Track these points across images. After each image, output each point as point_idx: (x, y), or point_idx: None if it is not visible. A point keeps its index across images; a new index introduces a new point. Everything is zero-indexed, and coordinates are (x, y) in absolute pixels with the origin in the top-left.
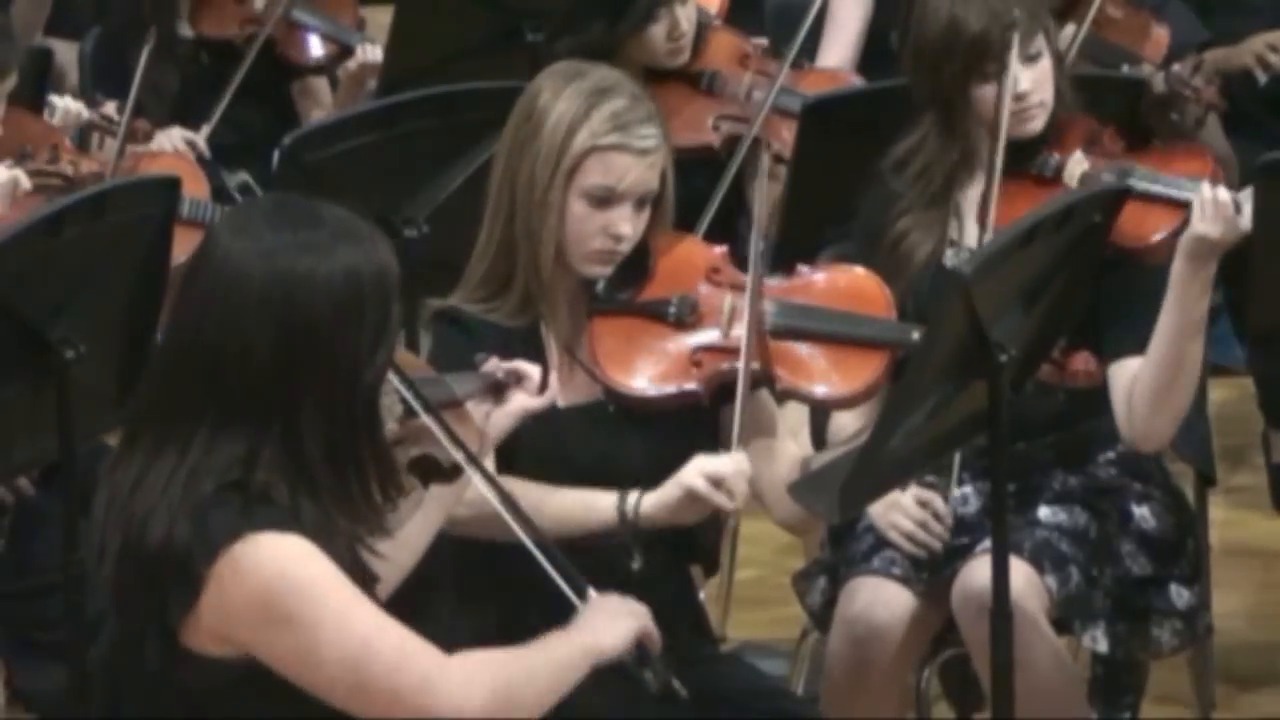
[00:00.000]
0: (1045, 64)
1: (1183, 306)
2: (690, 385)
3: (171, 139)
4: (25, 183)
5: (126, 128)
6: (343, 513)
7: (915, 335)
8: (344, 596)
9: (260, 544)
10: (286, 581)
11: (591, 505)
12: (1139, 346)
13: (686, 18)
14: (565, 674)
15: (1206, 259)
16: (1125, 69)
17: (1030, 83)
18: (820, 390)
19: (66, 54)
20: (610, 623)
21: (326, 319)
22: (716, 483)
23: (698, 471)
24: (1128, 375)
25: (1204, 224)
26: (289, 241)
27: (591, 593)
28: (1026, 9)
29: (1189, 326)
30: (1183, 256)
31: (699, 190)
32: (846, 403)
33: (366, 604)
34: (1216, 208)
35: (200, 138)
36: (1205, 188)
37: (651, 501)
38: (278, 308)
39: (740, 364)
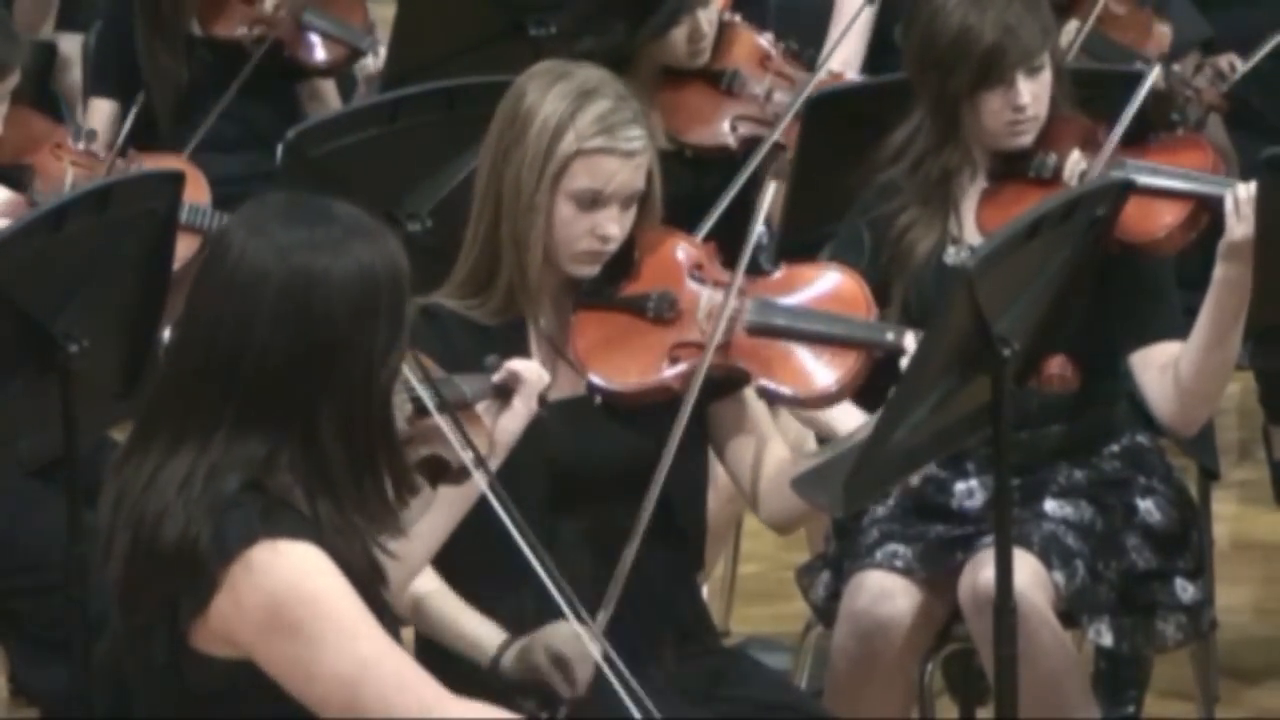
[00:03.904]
0: (1046, 76)
1: (1226, 303)
2: (668, 381)
3: None
4: None
5: (127, 120)
6: (359, 512)
7: (890, 336)
8: (351, 615)
9: (276, 550)
10: (297, 591)
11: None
12: (1158, 334)
13: (708, 21)
14: None
15: (1248, 257)
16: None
17: (1030, 96)
18: (793, 389)
19: (73, 47)
20: None
21: (343, 316)
22: (561, 664)
23: (544, 649)
24: (1155, 363)
25: (1244, 225)
26: (305, 239)
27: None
28: (1039, 23)
29: (1235, 317)
30: (1226, 261)
31: (714, 188)
32: (820, 402)
33: (373, 626)
34: (1251, 206)
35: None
36: (1241, 189)
37: (509, 658)
38: (295, 306)
39: (703, 359)
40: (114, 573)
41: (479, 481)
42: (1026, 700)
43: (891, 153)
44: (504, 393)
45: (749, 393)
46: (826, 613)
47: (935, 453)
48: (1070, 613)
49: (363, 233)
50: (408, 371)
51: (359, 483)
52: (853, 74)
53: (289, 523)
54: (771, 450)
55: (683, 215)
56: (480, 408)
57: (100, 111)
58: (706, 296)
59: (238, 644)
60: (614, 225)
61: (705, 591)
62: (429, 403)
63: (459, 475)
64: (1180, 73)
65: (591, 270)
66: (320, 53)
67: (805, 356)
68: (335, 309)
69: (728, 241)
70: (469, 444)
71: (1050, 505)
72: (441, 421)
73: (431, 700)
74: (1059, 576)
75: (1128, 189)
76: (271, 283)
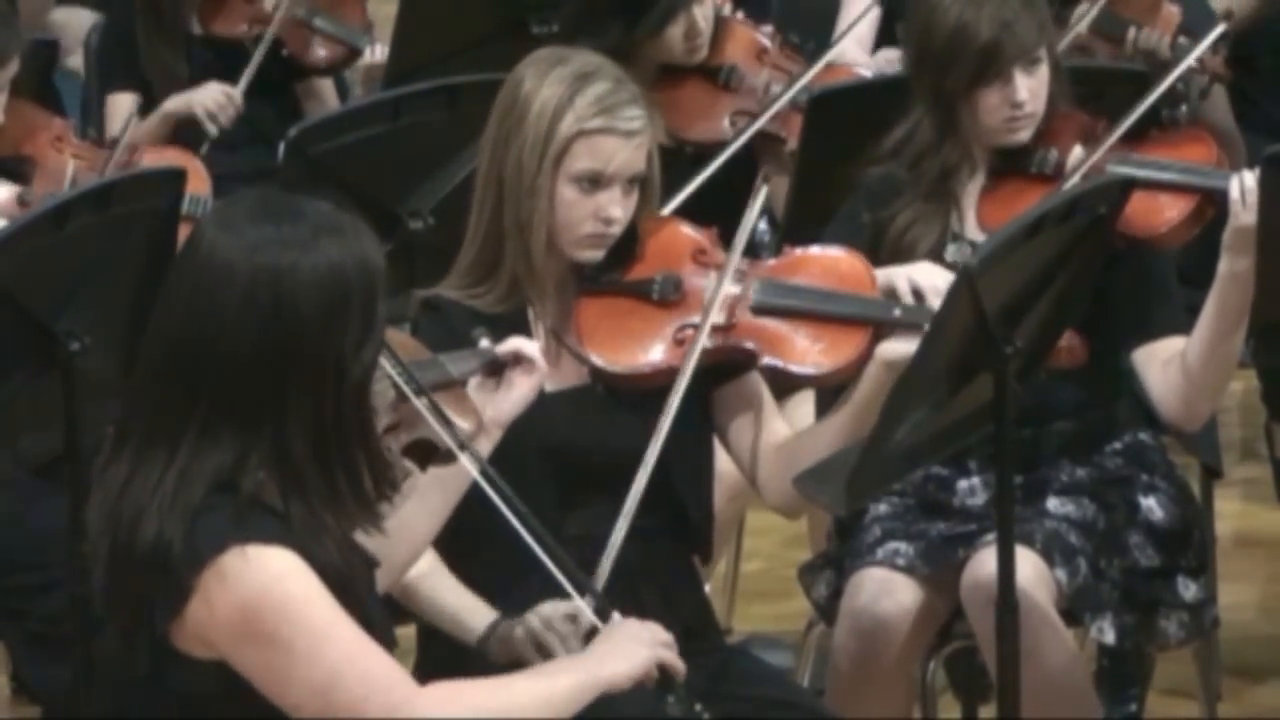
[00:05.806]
0: (1043, 72)
1: (1231, 296)
2: (672, 363)
3: (210, 92)
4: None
5: (128, 120)
6: (330, 511)
7: (897, 312)
8: (321, 620)
9: (246, 557)
10: (267, 598)
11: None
12: (1161, 330)
13: (704, 17)
14: (560, 705)
15: (1251, 246)
16: (1132, 31)
17: (1027, 92)
18: (800, 367)
19: (77, 23)
20: (621, 651)
21: (312, 314)
22: (539, 645)
23: (525, 630)
24: (1158, 358)
25: (1249, 213)
26: (272, 236)
27: (615, 616)
28: (1035, 19)
29: (1240, 310)
30: (1232, 251)
31: (717, 181)
32: (828, 379)
33: (345, 628)
34: (1256, 196)
35: (238, 92)
36: (1248, 177)
37: (495, 640)
38: (262, 303)
39: (697, 343)
40: (99, 575)
41: (464, 462)
42: (1029, 698)
43: (890, 149)
44: (496, 369)
45: (753, 376)
46: (828, 611)
47: (937, 451)
48: (1072, 610)
49: (333, 230)
50: (384, 356)
51: (332, 481)
52: (862, 69)
53: (260, 526)
54: (775, 433)
55: (685, 211)
56: (472, 385)
57: (121, 105)
58: (711, 279)
59: (215, 650)
60: (617, 207)
61: (708, 589)
62: (404, 387)
63: (447, 457)
64: (1186, 44)
65: (596, 255)
66: (320, 52)
67: (812, 335)
68: (303, 307)
69: (730, 230)
70: (449, 425)
71: (1053, 503)
72: (418, 405)
73: (400, 701)
74: (1061, 574)
75: (1130, 187)
76: (238, 280)
